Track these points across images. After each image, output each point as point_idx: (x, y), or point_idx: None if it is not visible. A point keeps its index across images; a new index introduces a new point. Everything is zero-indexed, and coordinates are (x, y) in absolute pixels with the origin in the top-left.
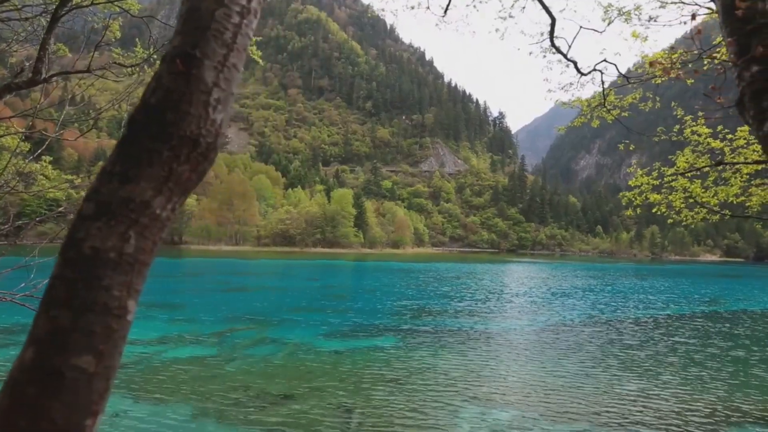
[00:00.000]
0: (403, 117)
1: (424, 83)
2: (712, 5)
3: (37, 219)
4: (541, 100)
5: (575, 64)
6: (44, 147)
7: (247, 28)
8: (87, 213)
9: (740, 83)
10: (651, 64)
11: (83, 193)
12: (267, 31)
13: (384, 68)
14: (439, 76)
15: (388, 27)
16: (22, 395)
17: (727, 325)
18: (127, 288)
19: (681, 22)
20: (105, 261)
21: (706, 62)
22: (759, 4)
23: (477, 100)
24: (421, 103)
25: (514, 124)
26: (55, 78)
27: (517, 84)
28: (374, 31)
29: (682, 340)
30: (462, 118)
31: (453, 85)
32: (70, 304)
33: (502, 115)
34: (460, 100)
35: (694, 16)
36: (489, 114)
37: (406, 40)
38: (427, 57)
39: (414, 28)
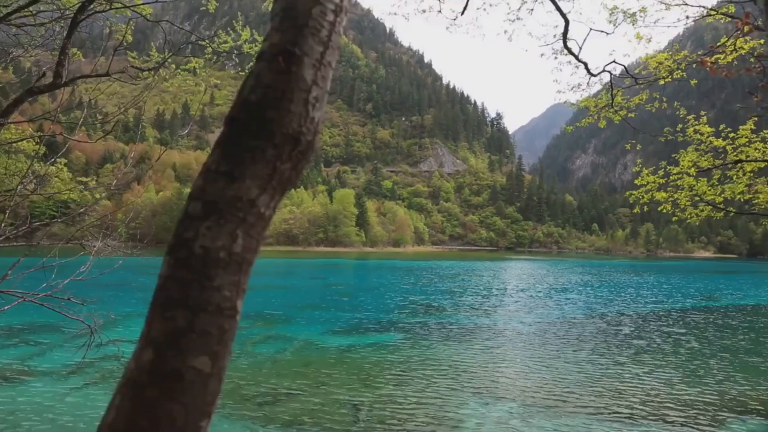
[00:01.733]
0: (403, 118)
1: (423, 85)
2: (712, 5)
3: (57, 220)
4: (539, 100)
5: (586, 65)
6: (63, 151)
7: (340, 25)
8: (195, 212)
9: None
10: (701, 62)
11: (98, 196)
12: None
13: (384, 71)
14: (437, 78)
15: (388, 30)
16: (142, 397)
17: (721, 319)
18: (237, 287)
19: (685, 24)
20: (216, 260)
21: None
22: None
23: (475, 101)
24: (420, 105)
25: (512, 124)
26: (73, 82)
27: (515, 85)
28: (374, 34)
29: (678, 334)
30: (460, 119)
31: (451, 86)
32: (185, 305)
33: (499, 116)
34: (458, 101)
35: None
36: (487, 115)
37: (405, 43)
38: (426, 59)
39: (413, 32)
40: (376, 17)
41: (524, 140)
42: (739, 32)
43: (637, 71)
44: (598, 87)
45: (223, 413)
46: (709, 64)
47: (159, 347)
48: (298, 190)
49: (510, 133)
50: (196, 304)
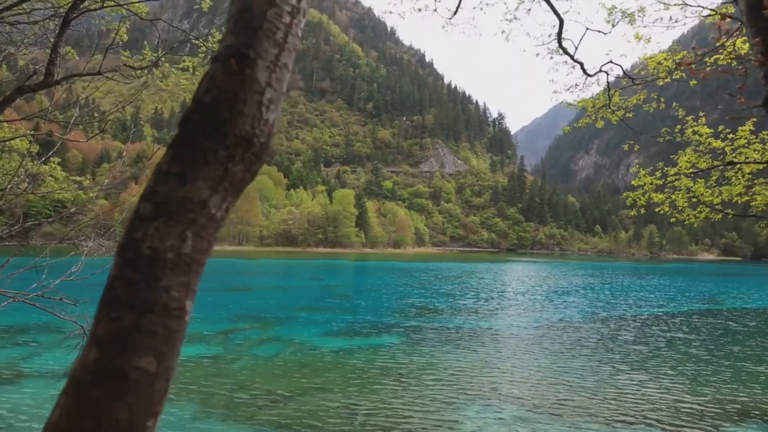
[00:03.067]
0: (404, 118)
1: (424, 85)
2: (713, 5)
3: (50, 219)
4: (541, 100)
5: (582, 65)
6: (55, 149)
7: (297, 27)
8: (145, 213)
9: (767, 83)
10: (679, 64)
11: (92, 195)
12: None
13: (385, 70)
14: (439, 77)
15: (389, 29)
16: (86, 397)
17: (725, 322)
18: (186, 288)
19: (683, 23)
20: (164, 261)
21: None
22: None
23: (476, 101)
24: (421, 105)
25: (514, 124)
26: (65, 81)
27: (517, 85)
28: (375, 33)
29: (681, 337)
30: (462, 119)
31: (453, 86)
32: (132, 305)
33: (501, 116)
34: (459, 101)
35: (724, 17)
36: (488, 115)
37: (407, 42)
38: (427, 59)
39: (414, 31)
40: (376, 16)
41: (526, 140)
42: (725, 33)
43: (636, 71)
44: (595, 87)
45: (218, 415)
46: (687, 65)
47: (104, 347)
48: (297, 190)
49: (512, 133)
50: (142, 304)
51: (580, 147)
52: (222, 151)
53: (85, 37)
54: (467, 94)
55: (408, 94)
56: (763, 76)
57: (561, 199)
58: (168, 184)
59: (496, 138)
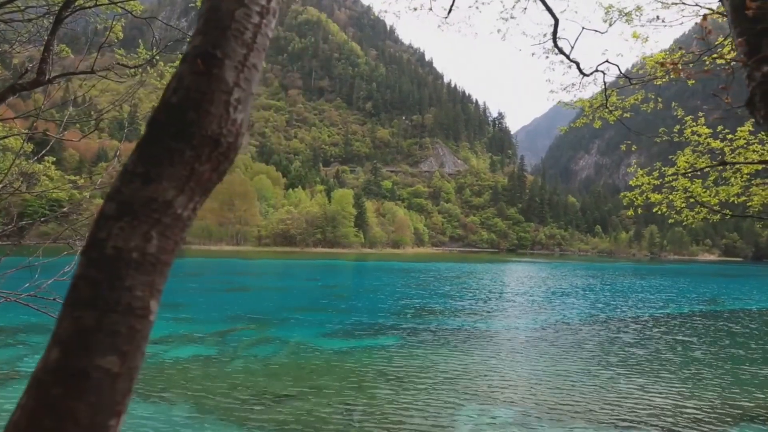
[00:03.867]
0: (403, 117)
1: (423, 84)
2: (713, 5)
3: (42, 219)
4: (541, 100)
5: (578, 64)
6: (48, 148)
7: (266, 27)
8: (109, 213)
9: (750, 83)
10: (661, 64)
11: (86, 194)
12: None
13: (384, 69)
14: (438, 76)
15: (388, 28)
16: (47, 396)
17: (726, 324)
18: (150, 288)
19: (680, 23)
20: (128, 261)
21: (707, 62)
22: None
23: (476, 100)
24: (420, 104)
25: (514, 124)
26: (58, 79)
27: (517, 85)
28: (374, 32)
29: (681, 338)
30: (461, 118)
31: (453, 85)
32: (94, 305)
33: (501, 116)
34: (459, 100)
35: (705, 17)
36: (488, 114)
37: (406, 41)
38: (427, 58)
39: (414, 29)
40: (376, 14)
41: (526, 140)
42: (709, 34)
43: (635, 71)
44: (593, 87)
45: (213, 416)
46: (671, 65)
47: (66, 346)
48: (296, 189)
49: (512, 133)
50: (105, 303)
51: (580, 147)
52: (188, 151)
53: (83, 36)
54: (467, 94)
55: (407, 93)
56: (746, 76)
57: (561, 199)
58: (133, 183)
59: (496, 138)
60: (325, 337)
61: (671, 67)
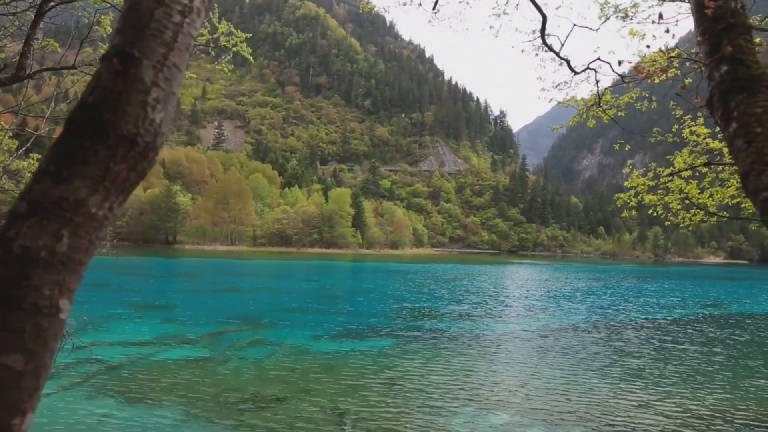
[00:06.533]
0: (403, 115)
1: (423, 81)
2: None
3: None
4: (543, 99)
5: (568, 62)
6: (29, 142)
7: (189, 27)
8: (19, 212)
9: (710, 83)
10: (636, 69)
11: None
12: (264, 27)
13: (383, 66)
14: (439, 73)
15: (388, 24)
16: None
17: (732, 328)
18: (60, 287)
19: (675, 22)
20: (35, 260)
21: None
22: (731, 3)
23: (477, 98)
24: (420, 102)
25: (516, 123)
26: (38, 75)
27: (519, 82)
28: (373, 27)
29: (686, 343)
30: (462, 116)
31: (453, 83)
32: None
33: (503, 114)
34: (460, 98)
35: (661, 15)
36: (490, 113)
37: (406, 37)
38: (427, 54)
39: (413, 26)
40: (374, 9)
41: (528, 140)
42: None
43: (633, 70)
44: (587, 85)
45: (205, 419)
46: (640, 72)
47: None
48: (292, 188)
49: (514, 132)
50: (9, 302)
51: (583, 146)
52: (103, 151)
53: (75, 30)
54: (468, 91)
55: (407, 90)
56: (707, 76)
57: (564, 199)
58: (44, 182)
59: (497, 137)
60: (320, 340)
61: (643, 74)
